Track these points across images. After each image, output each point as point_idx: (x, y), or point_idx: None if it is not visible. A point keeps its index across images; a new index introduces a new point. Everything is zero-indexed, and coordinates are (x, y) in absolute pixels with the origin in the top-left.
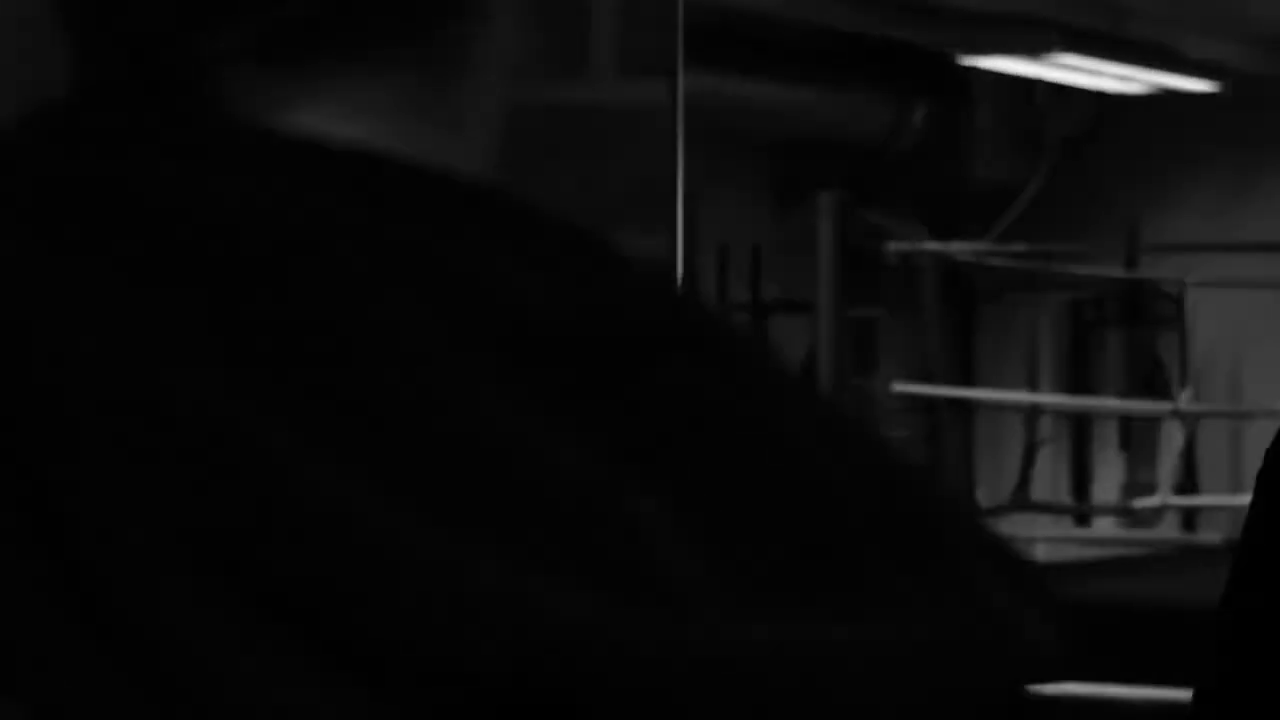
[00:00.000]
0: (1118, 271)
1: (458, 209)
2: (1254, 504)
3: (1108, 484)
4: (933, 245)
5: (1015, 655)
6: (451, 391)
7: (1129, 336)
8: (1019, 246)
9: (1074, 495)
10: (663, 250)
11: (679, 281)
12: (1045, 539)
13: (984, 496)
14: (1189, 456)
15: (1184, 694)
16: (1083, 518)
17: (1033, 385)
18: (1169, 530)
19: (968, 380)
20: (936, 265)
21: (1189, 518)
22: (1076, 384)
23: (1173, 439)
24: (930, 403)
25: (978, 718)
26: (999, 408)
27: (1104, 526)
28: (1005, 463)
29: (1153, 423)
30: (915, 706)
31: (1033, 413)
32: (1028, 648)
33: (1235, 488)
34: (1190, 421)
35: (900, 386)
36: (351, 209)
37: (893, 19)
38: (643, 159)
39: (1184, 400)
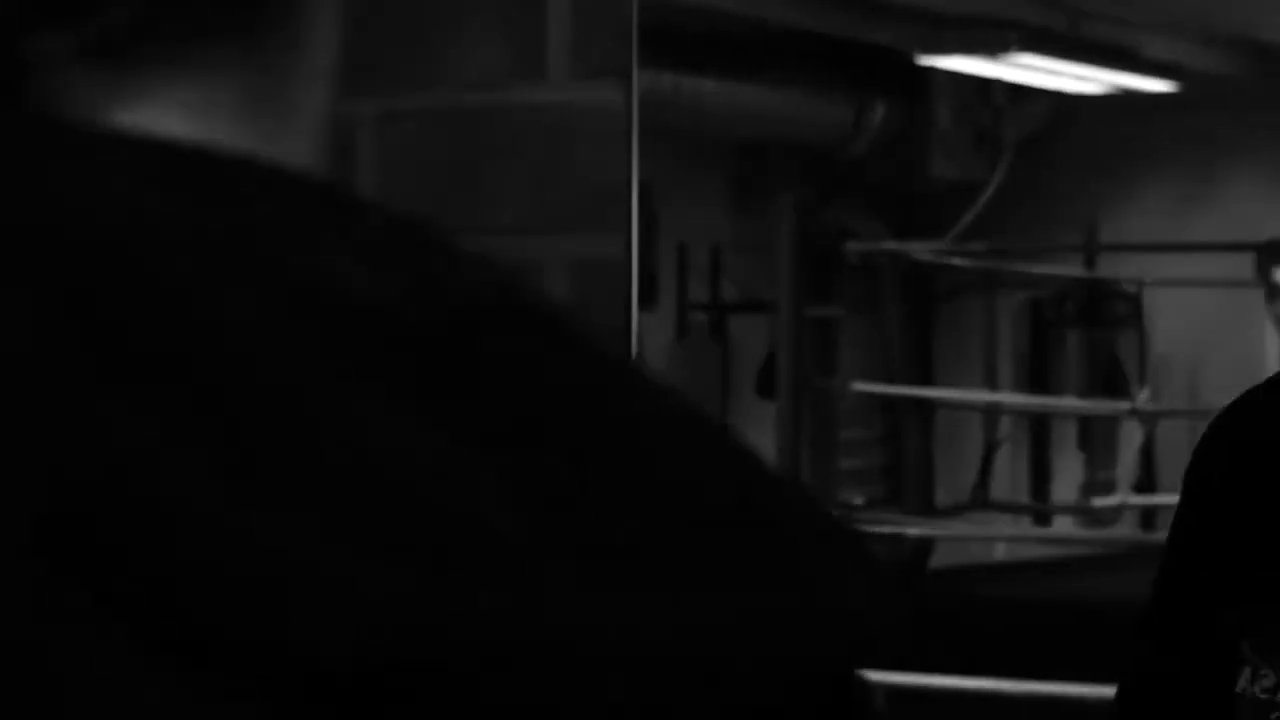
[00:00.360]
0: (1076, 271)
1: (277, 197)
2: (1180, 503)
3: (1067, 483)
4: (892, 245)
5: (842, 628)
6: (274, 372)
7: (1087, 336)
8: (978, 246)
9: (1033, 494)
10: (618, 251)
11: (512, 279)
12: (1004, 538)
13: (943, 495)
14: (1147, 455)
15: None
16: (1042, 517)
17: (992, 384)
18: (1127, 529)
19: (927, 379)
20: (895, 265)
21: (1147, 516)
22: (1035, 383)
23: (1131, 438)
24: (890, 402)
25: (804, 688)
26: (958, 407)
27: (1063, 525)
28: (964, 462)
29: (1111, 422)
30: (741, 676)
31: (992, 412)
32: (855, 621)
33: None
34: (1149, 421)
35: (860, 386)
36: (174, 200)
37: (851, 19)
38: (598, 161)
39: (1142, 399)
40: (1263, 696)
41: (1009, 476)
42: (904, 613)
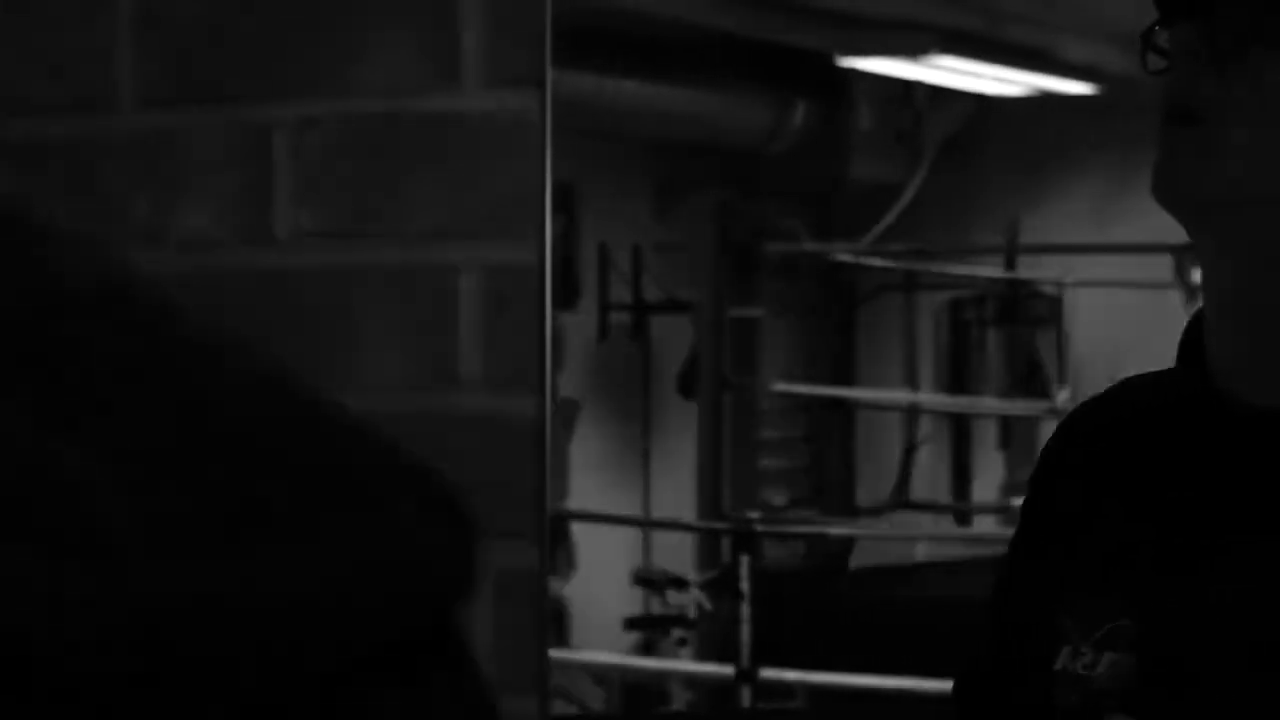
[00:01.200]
0: (997, 271)
1: None
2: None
3: (987, 483)
4: (812, 245)
5: (430, 579)
6: None
7: (1008, 336)
8: (898, 246)
9: (954, 494)
10: (532, 255)
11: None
12: (925, 537)
13: (864, 495)
14: None
15: None
16: (962, 516)
17: (912, 385)
18: None
19: (848, 380)
20: (816, 265)
21: None
22: (956, 383)
23: None
24: (810, 402)
25: (398, 637)
26: (879, 407)
27: (984, 525)
28: (885, 461)
29: (1032, 422)
30: (331, 630)
31: (912, 412)
32: (441, 572)
33: None
34: None
35: (781, 386)
36: None
37: (772, 21)
38: (512, 166)
39: (1062, 400)
40: (1082, 673)
41: (930, 476)
42: (473, 552)
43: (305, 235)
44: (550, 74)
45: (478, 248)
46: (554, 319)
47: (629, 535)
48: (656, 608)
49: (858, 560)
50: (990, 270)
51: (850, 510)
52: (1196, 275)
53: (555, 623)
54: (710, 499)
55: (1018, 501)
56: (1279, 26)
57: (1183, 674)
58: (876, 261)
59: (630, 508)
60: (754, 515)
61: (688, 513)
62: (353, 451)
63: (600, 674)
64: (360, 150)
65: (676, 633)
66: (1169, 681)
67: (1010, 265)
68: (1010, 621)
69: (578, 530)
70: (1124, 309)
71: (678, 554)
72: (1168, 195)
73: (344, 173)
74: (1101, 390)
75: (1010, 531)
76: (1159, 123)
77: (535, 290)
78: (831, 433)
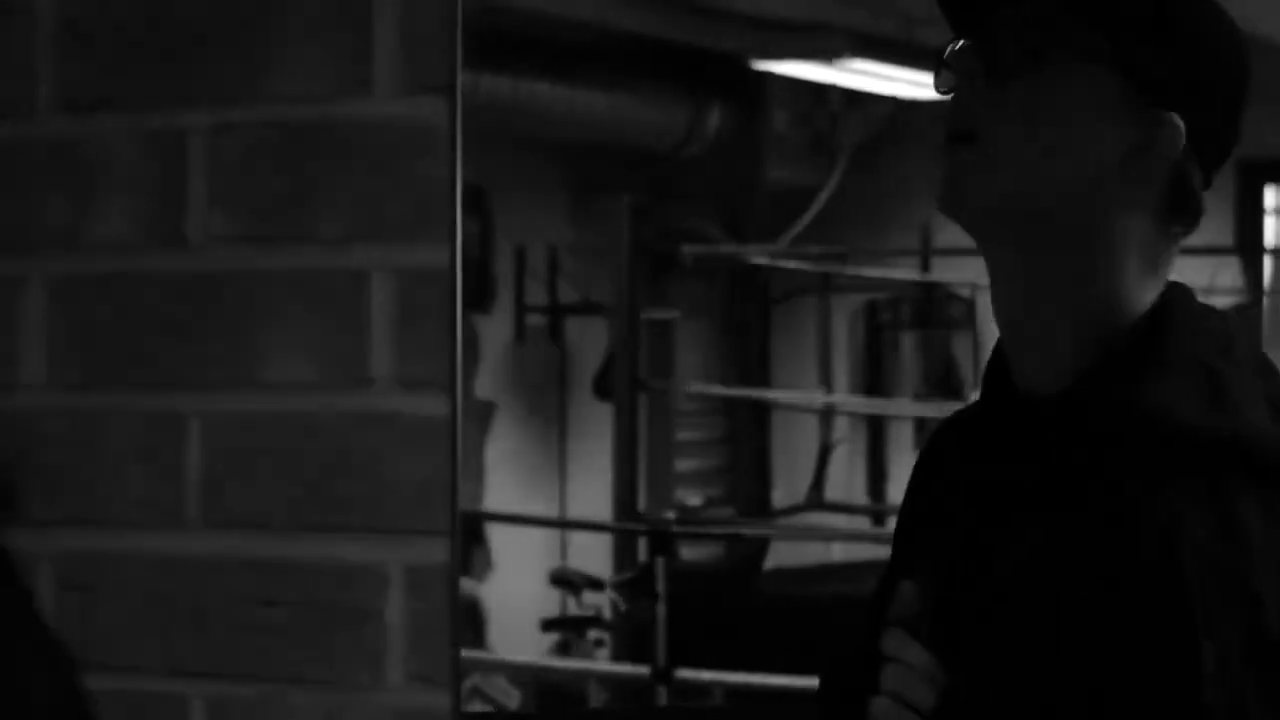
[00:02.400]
0: (911, 274)
1: None
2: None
3: (903, 483)
4: (728, 247)
5: None
6: None
7: (922, 338)
8: (814, 249)
9: (869, 494)
10: (443, 258)
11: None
12: (840, 537)
13: (780, 496)
14: None
15: None
16: (878, 517)
17: (827, 386)
18: None
19: (763, 381)
20: (731, 267)
21: None
22: (871, 385)
23: None
24: (726, 404)
25: None
26: (794, 409)
27: None
28: (801, 463)
29: None
30: None
31: (827, 413)
32: None
33: None
34: None
35: (696, 387)
36: None
37: (685, 24)
38: (423, 172)
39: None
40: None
41: (845, 477)
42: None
43: (219, 239)
44: (461, 80)
45: (390, 251)
46: (470, 321)
47: (545, 536)
48: (573, 608)
49: (774, 560)
50: (905, 273)
51: (766, 511)
52: None
53: (472, 624)
54: (626, 500)
55: None
56: (1046, 48)
57: (966, 617)
58: (792, 264)
59: (547, 509)
60: (670, 516)
61: (604, 514)
62: None
63: (517, 675)
64: (275, 156)
65: (593, 633)
66: (952, 624)
67: (925, 268)
68: (872, 613)
69: (494, 532)
70: None
71: (594, 555)
72: (951, 209)
73: (258, 178)
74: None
75: None
76: (943, 140)
77: (446, 292)
78: (747, 434)
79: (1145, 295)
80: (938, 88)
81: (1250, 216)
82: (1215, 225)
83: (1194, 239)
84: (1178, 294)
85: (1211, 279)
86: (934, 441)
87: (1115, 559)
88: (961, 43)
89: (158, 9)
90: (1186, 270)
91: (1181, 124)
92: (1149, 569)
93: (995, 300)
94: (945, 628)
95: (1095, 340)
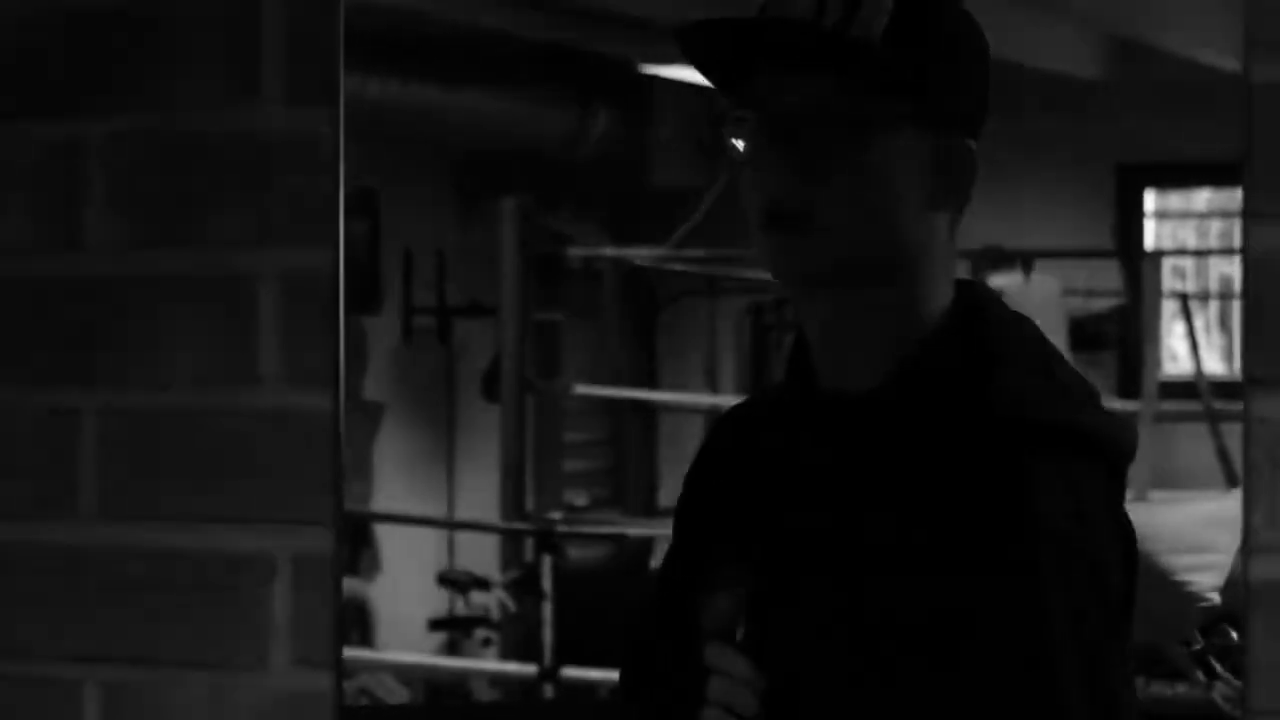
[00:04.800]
0: None
1: None
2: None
3: None
4: (613, 250)
5: None
6: None
7: None
8: (698, 252)
9: None
10: (327, 260)
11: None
12: None
13: (666, 497)
14: None
15: None
16: None
17: (713, 387)
18: None
19: (649, 382)
20: (617, 270)
21: None
22: (756, 385)
23: None
24: (613, 405)
25: None
26: (681, 409)
27: None
28: (687, 463)
29: None
30: None
31: (714, 414)
32: None
33: None
34: None
35: (583, 389)
36: None
37: (575, 28)
38: (309, 176)
39: None
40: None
41: None
42: None
43: (113, 244)
44: (346, 85)
45: (277, 254)
46: (358, 323)
47: (433, 536)
48: (461, 608)
49: (659, 560)
50: None
51: (652, 511)
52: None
53: (360, 623)
54: (514, 500)
55: None
56: (862, 122)
57: (779, 608)
58: (677, 266)
59: (435, 509)
60: (557, 516)
61: (491, 514)
62: None
63: (405, 674)
64: (166, 163)
65: (480, 633)
66: (763, 618)
67: None
68: (669, 595)
69: (382, 532)
70: None
71: (482, 555)
72: (788, 280)
73: (150, 185)
74: (747, 399)
75: None
76: (758, 223)
77: (329, 293)
78: (634, 435)
79: (945, 296)
80: (734, 159)
81: (1130, 220)
82: (1095, 228)
83: (1075, 241)
84: (984, 293)
85: (1090, 281)
86: (718, 434)
87: (972, 529)
88: (747, 112)
89: (54, 19)
90: (1066, 272)
91: (974, 144)
92: (1005, 535)
93: (805, 318)
94: (760, 626)
95: (902, 342)
